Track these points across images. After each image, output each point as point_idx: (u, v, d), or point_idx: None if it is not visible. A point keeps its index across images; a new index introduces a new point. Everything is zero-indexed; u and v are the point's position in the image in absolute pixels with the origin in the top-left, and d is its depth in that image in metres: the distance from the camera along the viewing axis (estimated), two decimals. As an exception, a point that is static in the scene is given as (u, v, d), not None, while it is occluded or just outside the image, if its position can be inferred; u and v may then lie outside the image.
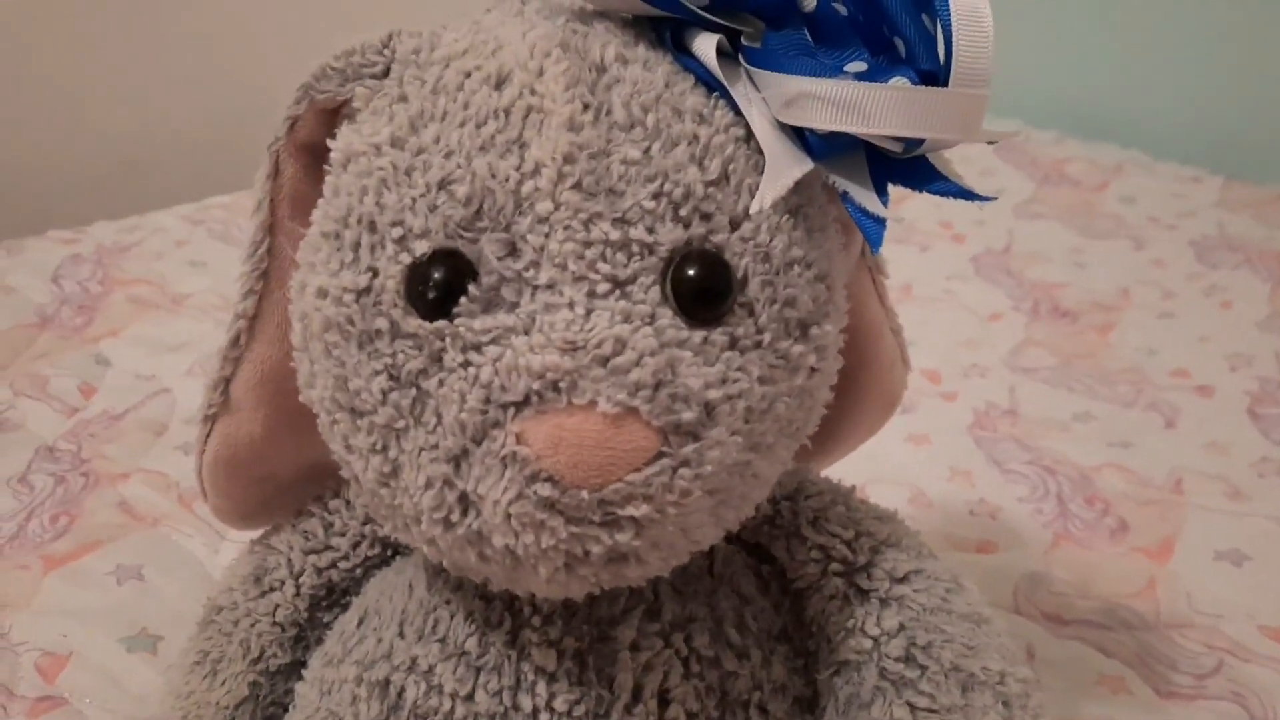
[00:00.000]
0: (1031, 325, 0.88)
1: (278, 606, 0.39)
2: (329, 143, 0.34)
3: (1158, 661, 0.53)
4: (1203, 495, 0.67)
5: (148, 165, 1.21)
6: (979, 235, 1.03)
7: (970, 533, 0.63)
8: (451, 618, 0.36)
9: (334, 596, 0.40)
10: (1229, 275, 0.95)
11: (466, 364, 0.30)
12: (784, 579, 0.39)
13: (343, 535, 0.40)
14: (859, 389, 0.41)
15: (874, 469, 0.66)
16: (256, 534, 0.42)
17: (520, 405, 0.29)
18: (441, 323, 0.30)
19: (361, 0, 1.31)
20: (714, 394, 0.30)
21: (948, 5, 0.30)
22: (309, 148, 0.35)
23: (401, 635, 0.36)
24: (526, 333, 0.29)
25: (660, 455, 0.29)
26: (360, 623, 0.38)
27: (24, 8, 1.13)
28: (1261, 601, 0.57)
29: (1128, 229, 1.05)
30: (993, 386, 0.79)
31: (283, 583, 0.40)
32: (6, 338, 0.80)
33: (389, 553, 0.40)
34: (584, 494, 0.28)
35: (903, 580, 0.37)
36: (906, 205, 0.96)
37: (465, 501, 0.30)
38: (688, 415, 0.29)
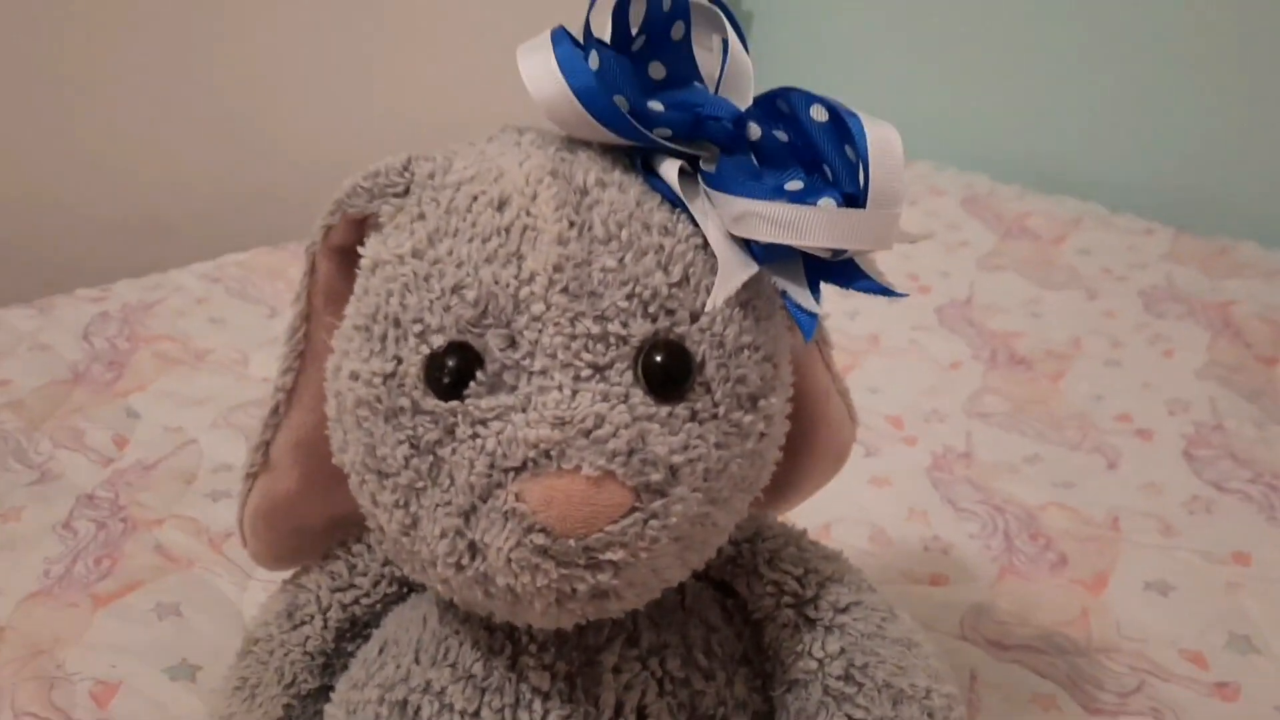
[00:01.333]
0: (989, 373, 0.92)
1: (308, 638, 0.43)
2: (359, 250, 0.38)
3: (1086, 681, 0.58)
4: (1137, 531, 0.71)
5: (166, 222, 1.21)
6: (944, 286, 1.06)
7: (924, 567, 0.67)
8: (460, 645, 0.40)
9: (357, 629, 0.44)
10: (1173, 325, 0.99)
11: (475, 436, 0.34)
12: (745, 610, 0.43)
13: (365, 575, 0.44)
14: (810, 446, 0.45)
15: (839, 509, 0.70)
16: (287, 574, 0.45)
17: (519, 470, 0.34)
18: (454, 402, 0.35)
19: (379, 68, 1.33)
20: (678, 458, 0.35)
21: (865, 139, 0.35)
22: (340, 250, 0.40)
23: (417, 661, 0.40)
24: (524, 410, 0.34)
25: (634, 510, 0.34)
26: (381, 651, 0.41)
27: (48, 69, 1.14)
28: (1183, 628, 0.62)
29: (1082, 280, 1.09)
30: (951, 431, 0.83)
31: (312, 617, 0.43)
32: (44, 393, 0.83)
33: (405, 590, 0.44)
34: (571, 542, 0.33)
35: (844, 610, 0.42)
36: (877, 256, 1.01)
37: (474, 548, 0.35)
38: (656, 476, 0.34)
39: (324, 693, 0.43)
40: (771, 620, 0.43)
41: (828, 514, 0.69)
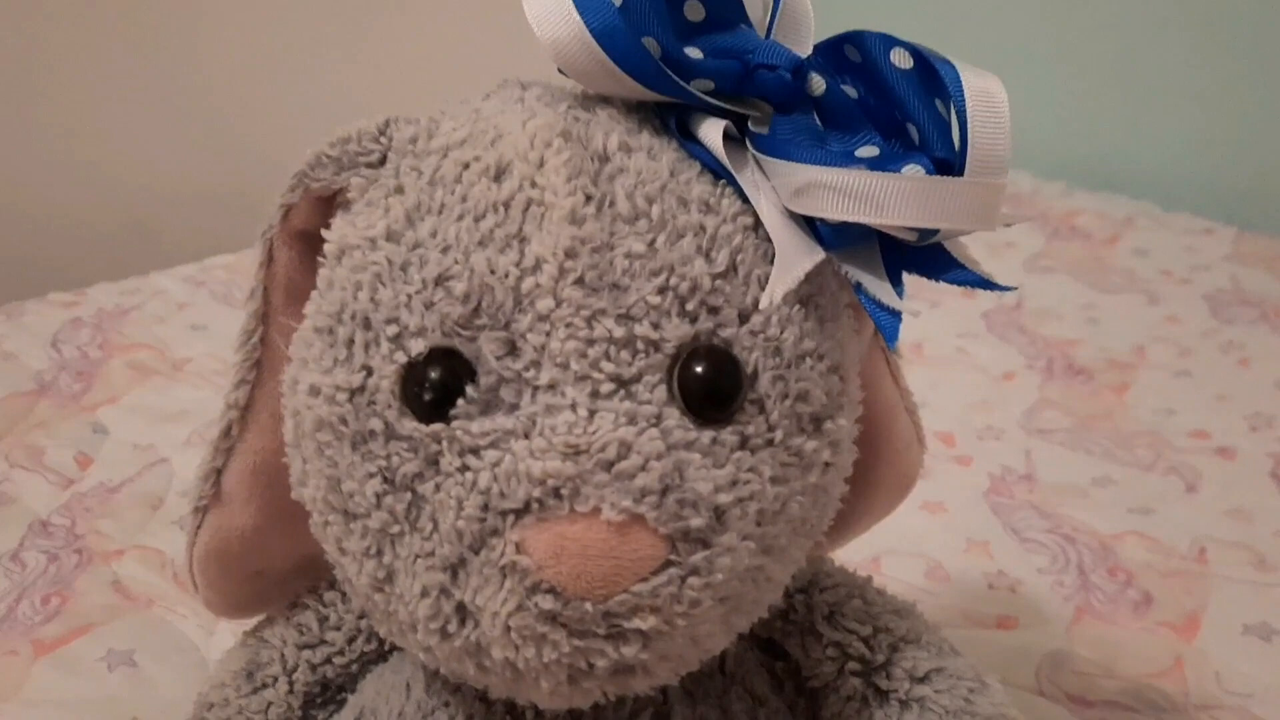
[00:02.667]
0: (1046, 385, 0.87)
1: (270, 704, 0.38)
2: (323, 233, 0.33)
3: (1188, 747, 0.52)
4: (1227, 565, 0.65)
5: (150, 223, 1.21)
6: (990, 291, 1.01)
7: (989, 608, 0.61)
8: None
9: (329, 694, 0.39)
10: (1245, 331, 0.94)
11: (464, 469, 0.29)
12: (798, 677, 0.38)
13: (338, 629, 0.39)
14: (873, 474, 0.40)
15: (889, 541, 0.64)
16: (250, 623, 0.40)
17: (520, 512, 0.28)
18: (438, 425, 0.29)
19: (368, 62, 1.33)
20: (724, 498, 0.29)
21: (962, 90, 0.29)
22: (304, 235, 0.34)
23: None
24: (527, 436, 0.28)
25: (668, 564, 0.28)
26: None
27: (26, 66, 1.13)
28: (1293, 680, 0.55)
29: (1140, 283, 1.04)
30: (1008, 450, 0.77)
31: (275, 679, 0.38)
32: (3, 406, 0.79)
33: (386, 648, 0.39)
34: (588, 606, 0.27)
35: (923, 680, 0.36)
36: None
37: (463, 612, 0.29)
38: (696, 521, 0.28)
39: (288, 772, 0.38)
40: (834, 691, 0.37)
41: (876, 546, 0.63)
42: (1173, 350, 0.92)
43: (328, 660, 0.39)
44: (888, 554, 0.64)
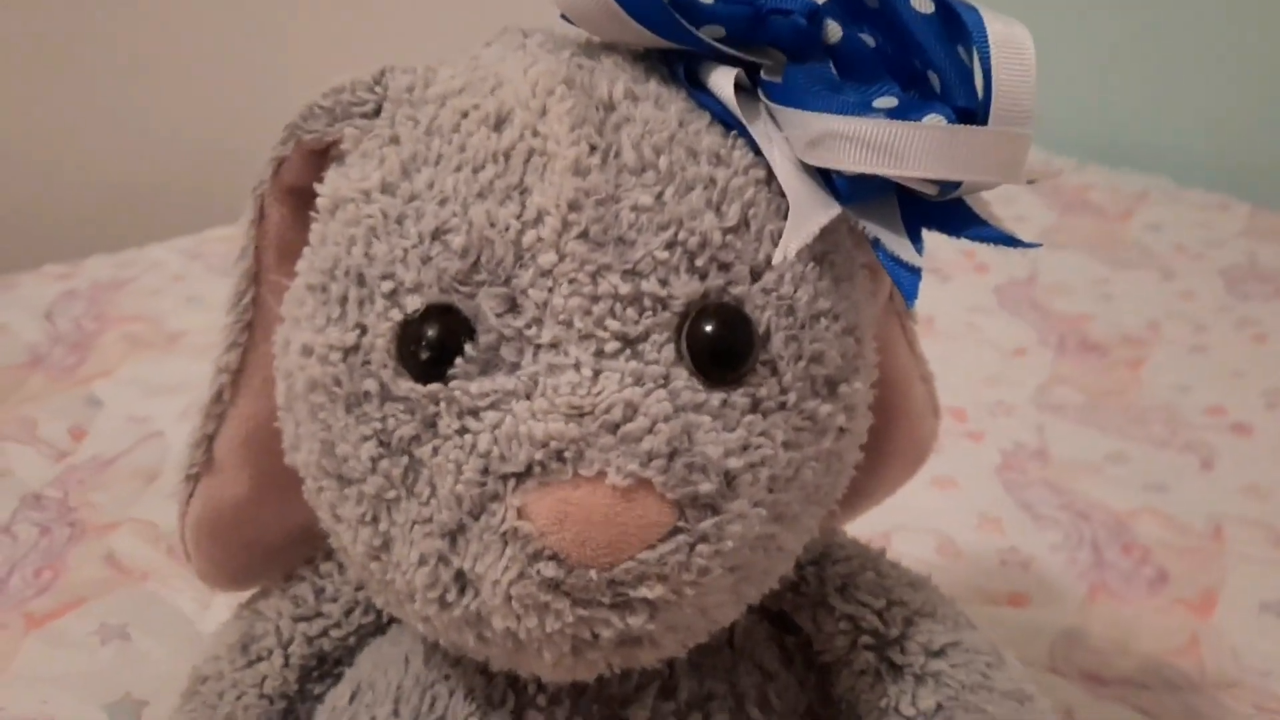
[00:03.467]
0: (1059, 360, 0.86)
1: (265, 678, 0.37)
2: (316, 187, 0.32)
3: (1205, 725, 0.51)
4: (1244, 542, 0.64)
5: (147, 193, 1.20)
6: (1002, 265, 1.00)
7: (1001, 585, 0.60)
8: (450, 695, 0.34)
9: (325, 667, 0.38)
10: (1261, 307, 0.93)
11: (463, 431, 0.28)
12: (810, 651, 0.37)
13: (334, 601, 0.38)
14: (887, 443, 0.39)
15: (899, 516, 0.62)
16: (245, 595, 0.39)
17: (522, 476, 0.27)
18: (435, 385, 0.28)
19: (368, 15, 1.31)
20: (734, 462, 0.28)
21: (986, 36, 0.28)
22: (296, 191, 0.33)
23: (396, 714, 0.35)
24: (528, 397, 0.27)
25: (676, 531, 0.27)
26: (353, 698, 0.36)
27: (19, 32, 1.12)
28: (1312, 658, 0.55)
29: (1154, 259, 1.03)
30: (1020, 426, 0.76)
31: (271, 652, 0.38)
32: None
33: (384, 620, 0.38)
34: (592, 574, 0.27)
35: (939, 654, 0.35)
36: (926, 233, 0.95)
37: (462, 580, 0.28)
38: (706, 487, 0.27)
39: (284, 745, 0.37)
40: (846, 665, 0.36)
41: (886, 521, 0.61)
42: (1188, 326, 0.91)
43: (324, 633, 0.38)
44: (899, 530, 0.63)
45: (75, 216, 1.14)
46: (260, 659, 0.38)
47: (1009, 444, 0.74)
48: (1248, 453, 0.73)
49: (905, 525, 0.63)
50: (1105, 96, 1.32)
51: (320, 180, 0.32)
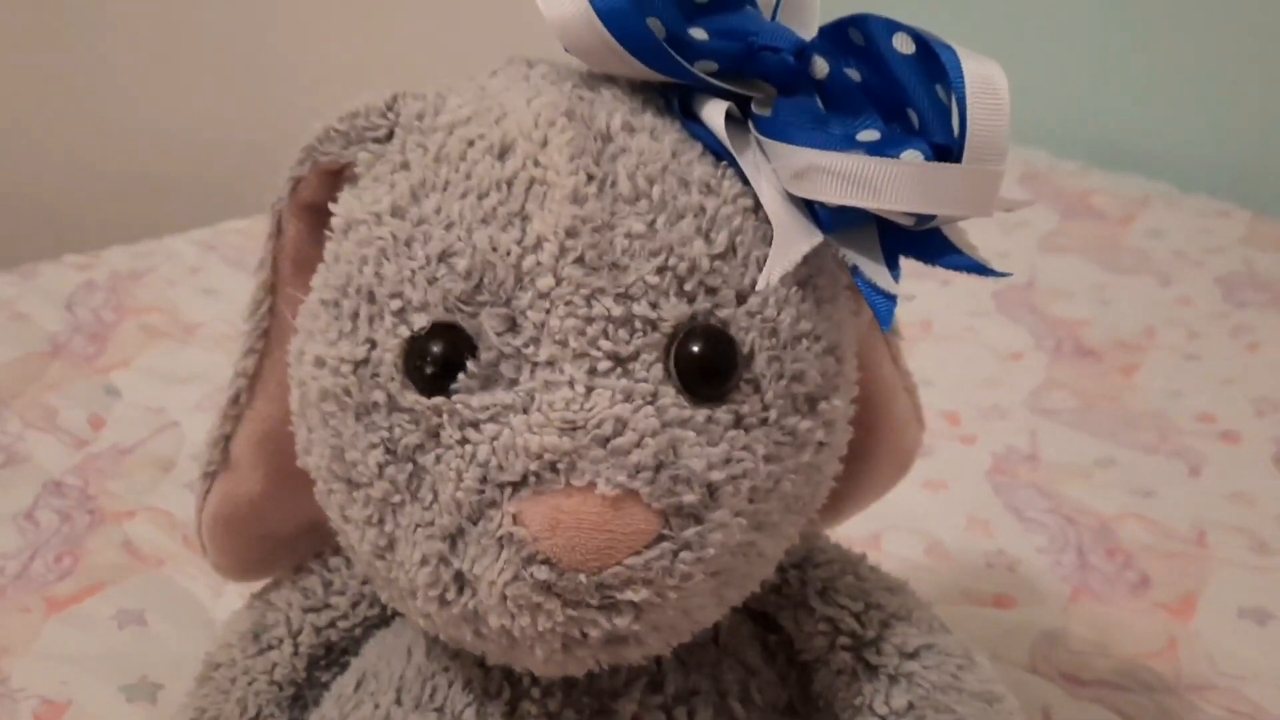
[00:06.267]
0: (1053, 365, 0.86)
1: (275, 665, 0.39)
2: (330, 207, 0.33)
3: (1178, 726, 0.52)
4: (1226, 548, 0.65)
5: (164, 185, 1.20)
6: (1002, 269, 1.00)
7: (987, 586, 0.61)
8: (449, 686, 0.35)
9: (332, 656, 0.39)
10: (1257, 315, 0.93)
11: (464, 441, 0.29)
12: (791, 650, 0.38)
13: (342, 594, 0.40)
14: (871, 452, 0.40)
15: (889, 517, 0.64)
16: (256, 585, 0.41)
17: (518, 485, 0.28)
18: (439, 399, 0.29)
19: (378, 36, 1.31)
20: (717, 475, 0.29)
21: (962, 76, 0.29)
22: (312, 208, 0.35)
23: (399, 703, 0.36)
24: (525, 411, 0.29)
25: (661, 538, 0.29)
26: (358, 686, 0.37)
27: (38, 24, 1.13)
28: (1286, 663, 0.55)
29: (1153, 265, 1.03)
30: (1013, 429, 0.77)
31: (281, 641, 0.39)
32: (18, 367, 0.79)
33: (388, 613, 0.39)
34: (582, 577, 0.28)
35: (913, 656, 0.37)
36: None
37: (461, 580, 0.30)
38: (689, 497, 0.29)
39: (292, 730, 0.38)
40: (824, 664, 0.37)
41: (877, 522, 0.63)
42: (1182, 333, 0.91)
43: (331, 624, 0.39)
44: (889, 530, 0.64)
45: (95, 208, 1.15)
46: (271, 647, 0.39)
47: (1000, 447, 0.75)
48: (1235, 460, 0.74)
49: (896, 526, 0.65)
50: (1110, 101, 1.31)
51: (335, 199, 0.33)
